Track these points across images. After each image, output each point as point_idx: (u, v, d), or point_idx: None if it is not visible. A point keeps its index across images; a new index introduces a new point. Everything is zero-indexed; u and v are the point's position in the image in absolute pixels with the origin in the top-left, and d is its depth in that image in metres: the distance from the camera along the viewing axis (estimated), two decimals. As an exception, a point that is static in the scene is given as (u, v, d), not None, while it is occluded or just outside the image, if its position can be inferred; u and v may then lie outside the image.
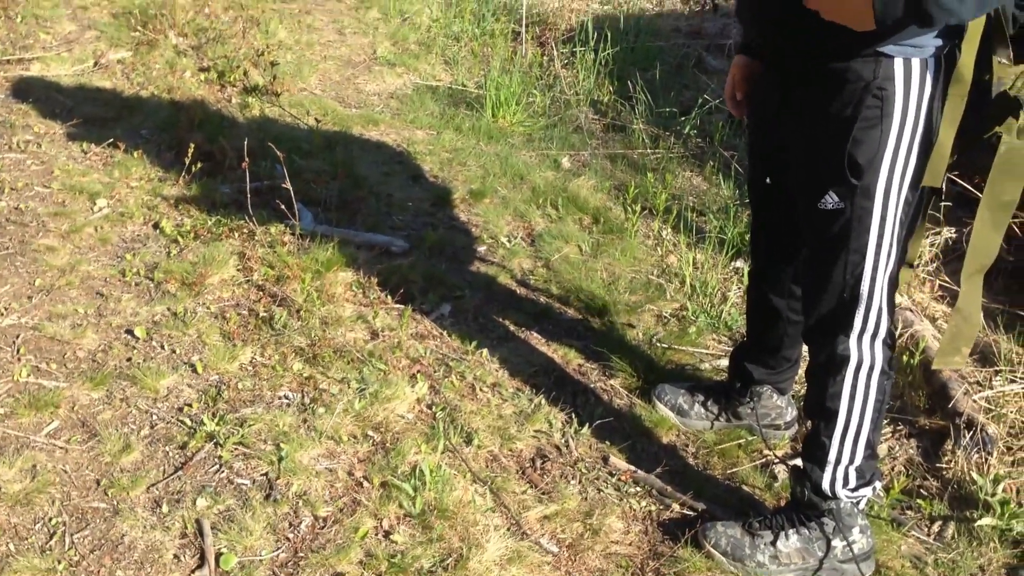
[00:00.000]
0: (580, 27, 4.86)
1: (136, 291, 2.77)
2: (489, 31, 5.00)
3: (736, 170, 3.71)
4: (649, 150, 4.00)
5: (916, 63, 1.69)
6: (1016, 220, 2.75)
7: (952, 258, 3.05)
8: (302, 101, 4.08)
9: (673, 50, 4.92)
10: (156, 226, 3.08)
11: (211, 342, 2.56)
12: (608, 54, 4.58)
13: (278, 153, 2.99)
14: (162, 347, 2.54)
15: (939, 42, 1.68)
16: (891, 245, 1.83)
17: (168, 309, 2.68)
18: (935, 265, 3.03)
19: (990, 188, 1.73)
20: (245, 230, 3.06)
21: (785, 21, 1.71)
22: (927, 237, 3.00)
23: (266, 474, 2.15)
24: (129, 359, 2.48)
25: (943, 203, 2.95)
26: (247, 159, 3.04)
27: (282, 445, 2.21)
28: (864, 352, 1.90)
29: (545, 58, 4.74)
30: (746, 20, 1.94)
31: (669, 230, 3.42)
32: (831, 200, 1.80)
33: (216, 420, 2.27)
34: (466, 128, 4.09)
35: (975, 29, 1.63)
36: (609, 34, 4.66)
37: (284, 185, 2.92)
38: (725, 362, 2.59)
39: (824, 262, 1.87)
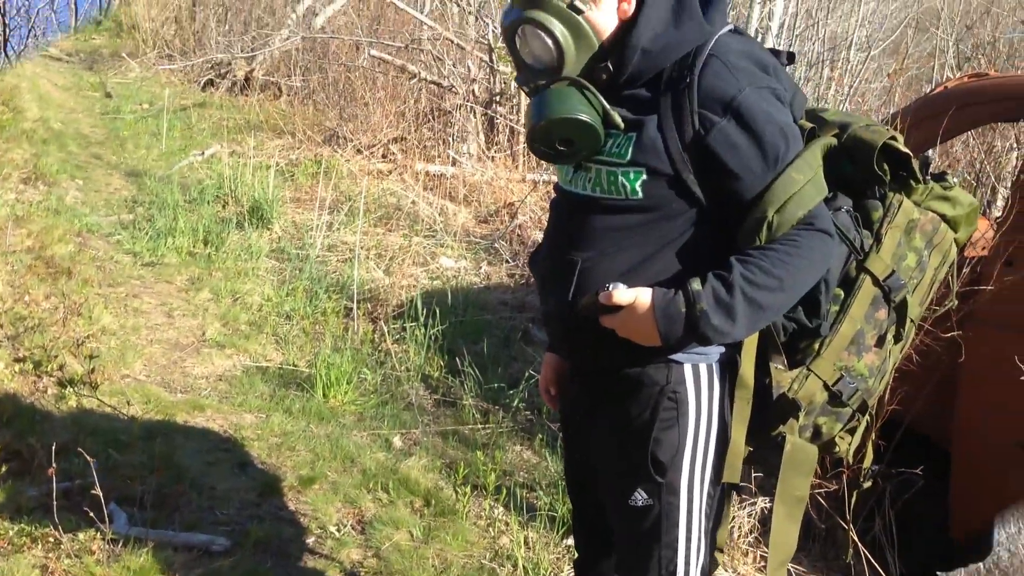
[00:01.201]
0: (410, 303, 5.02)
1: (-83, 620, 2.51)
2: (321, 309, 5.10)
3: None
4: (480, 425, 4.06)
5: (703, 368, 1.83)
6: (822, 490, 2.91)
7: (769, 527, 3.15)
8: (124, 389, 3.97)
9: (500, 323, 5.13)
10: (-51, 540, 2.85)
11: (0, 677, 2.32)
12: (438, 330, 4.72)
13: (88, 458, 2.86)
14: None
15: (722, 349, 1.84)
16: (700, 538, 1.89)
17: (-47, 640, 2.43)
18: (754, 536, 3.13)
19: (782, 485, 1.85)
20: (51, 539, 2.86)
21: (584, 334, 1.83)
22: (743, 508, 3.12)
23: None
24: None
25: (756, 474, 3.09)
26: (57, 458, 2.88)
27: None
28: (686, 645, 1.91)
29: (376, 335, 4.84)
30: (549, 329, 2.06)
31: (501, 509, 3.42)
32: (640, 497, 1.86)
33: None
34: (296, 410, 4.06)
35: (750, 341, 1.79)
36: (438, 310, 4.82)
37: (95, 491, 2.78)
38: (559, 654, 2.54)
39: (639, 559, 1.91)
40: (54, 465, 2.86)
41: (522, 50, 1.79)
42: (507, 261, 6.09)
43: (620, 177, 1.73)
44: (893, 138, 1.78)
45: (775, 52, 1.80)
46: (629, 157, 1.71)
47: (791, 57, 1.83)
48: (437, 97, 8.46)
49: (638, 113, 1.72)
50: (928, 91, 4.42)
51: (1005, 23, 9.12)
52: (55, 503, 2.88)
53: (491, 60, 8.07)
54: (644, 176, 1.70)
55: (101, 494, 2.78)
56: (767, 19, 7.46)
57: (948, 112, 3.18)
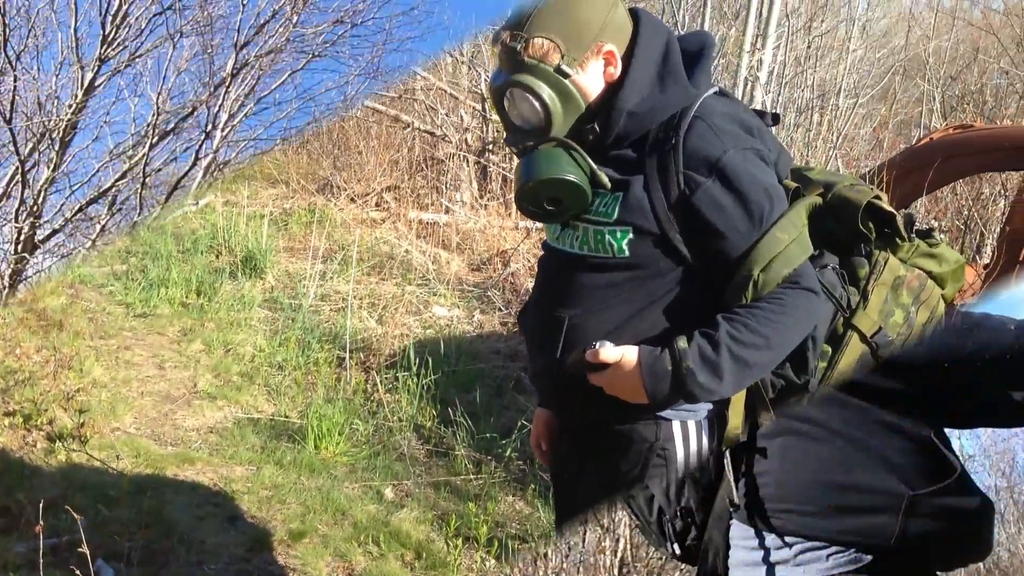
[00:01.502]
0: (403, 352, 5.01)
1: None
2: (314, 359, 5.08)
3: (557, 495, 3.77)
4: (472, 475, 4.04)
5: (692, 425, 1.83)
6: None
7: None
8: (114, 443, 3.94)
9: (493, 372, 5.12)
10: (-67, 600, 2.82)
11: None
12: (431, 379, 4.71)
13: (75, 515, 2.84)
14: None
15: (710, 406, 1.84)
16: (691, 596, 1.88)
17: None
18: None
19: (771, 541, 1.84)
20: (37, 597, 2.83)
21: (572, 391, 1.84)
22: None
23: None
24: None
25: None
26: (45, 514, 2.86)
27: None
28: None
29: (369, 385, 4.82)
30: (538, 385, 2.07)
31: (492, 561, 3.39)
32: (631, 555, 1.86)
33: None
34: (287, 462, 4.03)
35: (738, 397, 1.80)
36: (431, 359, 4.81)
37: (82, 548, 2.75)
38: None
39: (631, 617, 1.90)
40: (41, 522, 2.84)
41: (510, 112, 1.82)
42: (500, 309, 6.09)
43: (607, 236, 1.74)
44: (877, 197, 1.81)
45: (760, 113, 1.83)
46: (616, 216, 1.73)
47: (776, 118, 1.86)
48: (430, 146, 8.52)
49: (624, 173, 1.74)
50: (915, 140, 4.47)
51: (991, 70, 9.25)
52: (42, 560, 2.84)
53: (484, 109, 8.14)
54: (630, 235, 1.72)
55: (88, 551, 2.75)
56: (756, 68, 7.55)
57: (934, 164, 3.22)
